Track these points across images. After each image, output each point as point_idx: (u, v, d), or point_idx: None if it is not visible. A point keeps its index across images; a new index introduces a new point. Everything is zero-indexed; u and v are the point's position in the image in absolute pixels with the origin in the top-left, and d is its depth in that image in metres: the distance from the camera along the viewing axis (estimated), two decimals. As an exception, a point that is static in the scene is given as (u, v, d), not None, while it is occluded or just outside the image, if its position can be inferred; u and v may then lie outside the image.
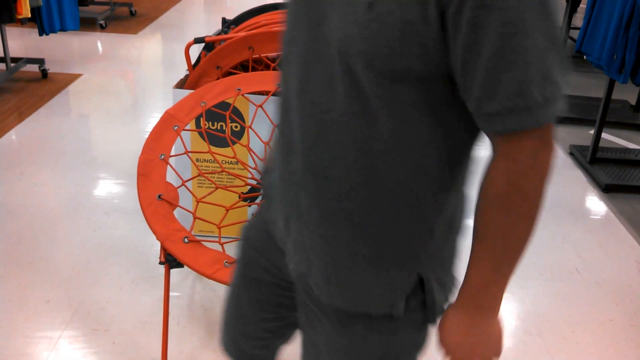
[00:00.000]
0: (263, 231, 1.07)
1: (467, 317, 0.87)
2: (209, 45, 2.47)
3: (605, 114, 3.33)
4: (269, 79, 2.20)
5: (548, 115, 0.74)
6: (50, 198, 2.80)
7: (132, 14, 6.21)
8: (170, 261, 1.72)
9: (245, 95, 2.20)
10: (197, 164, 2.46)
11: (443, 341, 0.91)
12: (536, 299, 2.34)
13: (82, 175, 3.02)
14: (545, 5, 0.70)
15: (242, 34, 2.28)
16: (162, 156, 1.93)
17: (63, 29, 4.15)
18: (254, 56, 2.31)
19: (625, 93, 4.86)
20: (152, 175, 1.93)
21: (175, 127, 2.02)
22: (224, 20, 2.90)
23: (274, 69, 2.37)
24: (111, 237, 2.54)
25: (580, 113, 4.21)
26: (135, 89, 4.21)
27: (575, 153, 3.57)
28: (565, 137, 3.91)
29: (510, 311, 2.26)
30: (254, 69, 2.48)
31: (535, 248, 2.68)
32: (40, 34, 4.04)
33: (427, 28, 0.72)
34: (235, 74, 2.39)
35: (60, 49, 5.01)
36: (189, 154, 2.31)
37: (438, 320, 0.94)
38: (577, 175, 3.39)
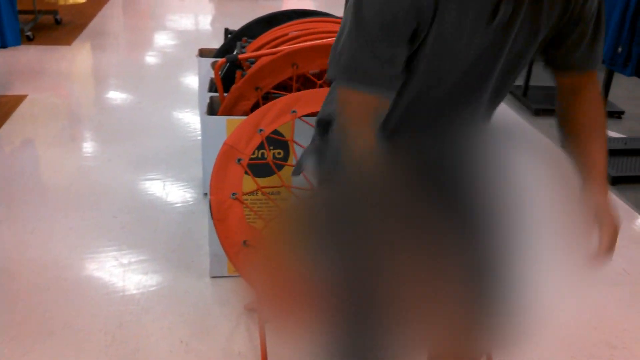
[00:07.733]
0: None
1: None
2: (233, 64, 2.17)
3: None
4: (322, 97, 1.96)
5: None
6: (46, 249, 2.39)
7: (57, 22, 5.64)
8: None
9: (302, 118, 1.94)
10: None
11: (612, 221, 1.12)
12: (604, 308, 2.25)
13: (75, 216, 2.62)
14: None
15: (283, 48, 2.00)
16: (234, 195, 1.64)
17: (3, 45, 3.63)
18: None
19: (545, 79, 4.86)
20: (229, 219, 1.64)
21: (239, 160, 1.73)
22: (227, 32, 2.59)
23: (320, 86, 2.12)
24: (136, 287, 2.18)
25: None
26: (92, 108, 3.77)
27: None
28: (549, 130, 3.91)
29: (585, 324, 2.16)
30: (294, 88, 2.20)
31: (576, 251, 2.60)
32: (-21, 52, 3.51)
33: None
34: (275, 94, 2.12)
35: (-10, 66, 4.43)
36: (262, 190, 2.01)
37: None
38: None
